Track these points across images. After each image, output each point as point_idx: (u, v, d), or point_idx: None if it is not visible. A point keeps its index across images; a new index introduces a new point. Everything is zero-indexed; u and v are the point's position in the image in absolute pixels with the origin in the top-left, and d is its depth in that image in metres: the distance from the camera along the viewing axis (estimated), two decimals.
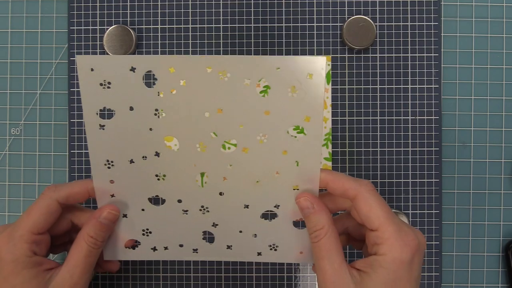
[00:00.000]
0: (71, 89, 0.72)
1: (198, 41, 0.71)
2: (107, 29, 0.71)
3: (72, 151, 0.71)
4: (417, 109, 0.70)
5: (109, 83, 0.54)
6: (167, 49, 0.71)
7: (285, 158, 0.57)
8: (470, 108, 0.71)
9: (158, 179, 0.58)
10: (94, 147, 0.57)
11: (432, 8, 0.70)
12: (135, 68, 0.53)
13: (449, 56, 0.71)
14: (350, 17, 0.70)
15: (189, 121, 0.55)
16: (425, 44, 0.70)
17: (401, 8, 0.70)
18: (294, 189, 0.57)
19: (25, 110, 0.72)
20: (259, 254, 0.61)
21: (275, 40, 0.71)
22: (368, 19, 0.70)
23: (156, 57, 0.55)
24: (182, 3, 0.71)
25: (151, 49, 0.71)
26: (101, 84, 0.54)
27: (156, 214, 0.60)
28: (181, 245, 0.62)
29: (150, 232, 0.61)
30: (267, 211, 0.59)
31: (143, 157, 0.57)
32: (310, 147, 0.55)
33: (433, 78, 0.70)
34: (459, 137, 0.71)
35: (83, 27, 0.72)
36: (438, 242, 0.70)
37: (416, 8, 0.70)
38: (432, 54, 0.70)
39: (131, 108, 0.55)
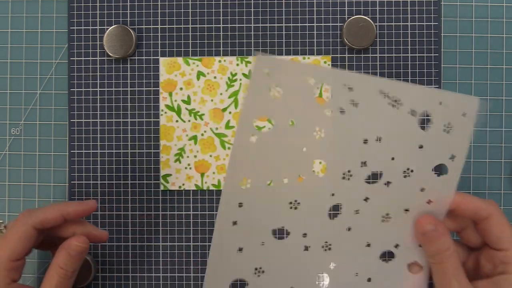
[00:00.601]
0: (71, 89, 0.72)
1: (198, 41, 0.71)
2: (107, 29, 0.71)
3: (72, 151, 0.71)
4: None
5: (279, 91, 0.50)
6: (167, 49, 0.71)
7: (420, 195, 0.55)
8: None
9: (291, 208, 0.54)
10: (236, 160, 0.51)
11: (432, 8, 0.70)
12: (312, 79, 0.50)
13: (449, 56, 0.71)
14: (350, 17, 0.70)
15: (346, 145, 0.53)
16: (425, 44, 0.70)
17: (401, 8, 0.71)
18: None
19: (25, 110, 0.72)
20: None
21: (275, 40, 0.71)
22: (368, 19, 0.70)
23: (341, 72, 0.53)
24: (182, 3, 0.71)
25: (151, 49, 0.71)
26: (270, 91, 0.50)
27: (275, 250, 0.56)
28: None
29: (263, 272, 0.57)
30: (386, 251, 0.57)
31: (284, 179, 0.53)
32: (447, 186, 0.55)
33: (433, 78, 0.70)
34: None
35: (83, 27, 0.72)
36: None
37: (416, 8, 0.70)
38: (432, 54, 0.70)
39: (292, 123, 0.51)
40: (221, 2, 0.71)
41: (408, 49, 0.71)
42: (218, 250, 0.55)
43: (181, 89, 0.71)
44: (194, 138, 0.71)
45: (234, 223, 0.54)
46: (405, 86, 0.54)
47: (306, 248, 0.56)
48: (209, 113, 0.71)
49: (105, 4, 0.71)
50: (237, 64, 0.71)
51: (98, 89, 0.71)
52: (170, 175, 0.71)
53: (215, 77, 0.71)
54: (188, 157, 0.71)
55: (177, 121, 0.71)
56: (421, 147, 0.54)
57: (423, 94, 0.53)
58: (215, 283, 0.56)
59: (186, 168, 0.71)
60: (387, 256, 0.57)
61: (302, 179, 0.53)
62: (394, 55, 0.70)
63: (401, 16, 0.70)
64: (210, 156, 0.71)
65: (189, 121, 0.71)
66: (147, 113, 0.71)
